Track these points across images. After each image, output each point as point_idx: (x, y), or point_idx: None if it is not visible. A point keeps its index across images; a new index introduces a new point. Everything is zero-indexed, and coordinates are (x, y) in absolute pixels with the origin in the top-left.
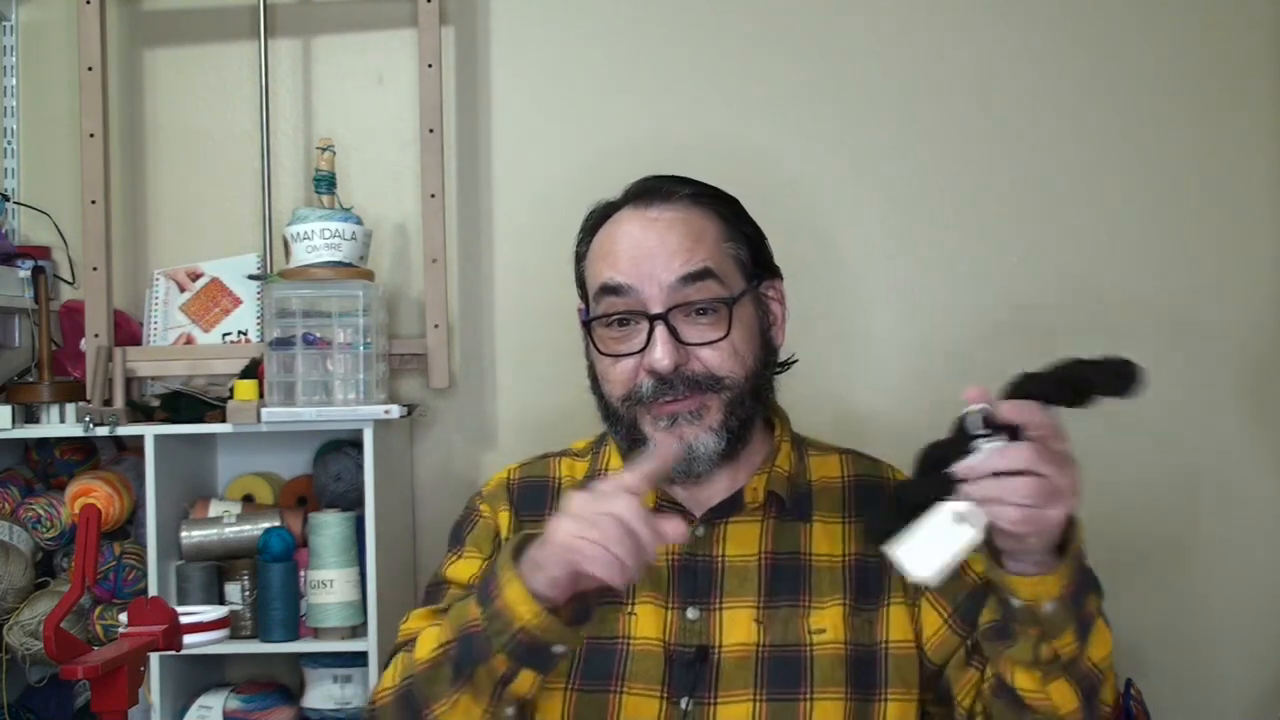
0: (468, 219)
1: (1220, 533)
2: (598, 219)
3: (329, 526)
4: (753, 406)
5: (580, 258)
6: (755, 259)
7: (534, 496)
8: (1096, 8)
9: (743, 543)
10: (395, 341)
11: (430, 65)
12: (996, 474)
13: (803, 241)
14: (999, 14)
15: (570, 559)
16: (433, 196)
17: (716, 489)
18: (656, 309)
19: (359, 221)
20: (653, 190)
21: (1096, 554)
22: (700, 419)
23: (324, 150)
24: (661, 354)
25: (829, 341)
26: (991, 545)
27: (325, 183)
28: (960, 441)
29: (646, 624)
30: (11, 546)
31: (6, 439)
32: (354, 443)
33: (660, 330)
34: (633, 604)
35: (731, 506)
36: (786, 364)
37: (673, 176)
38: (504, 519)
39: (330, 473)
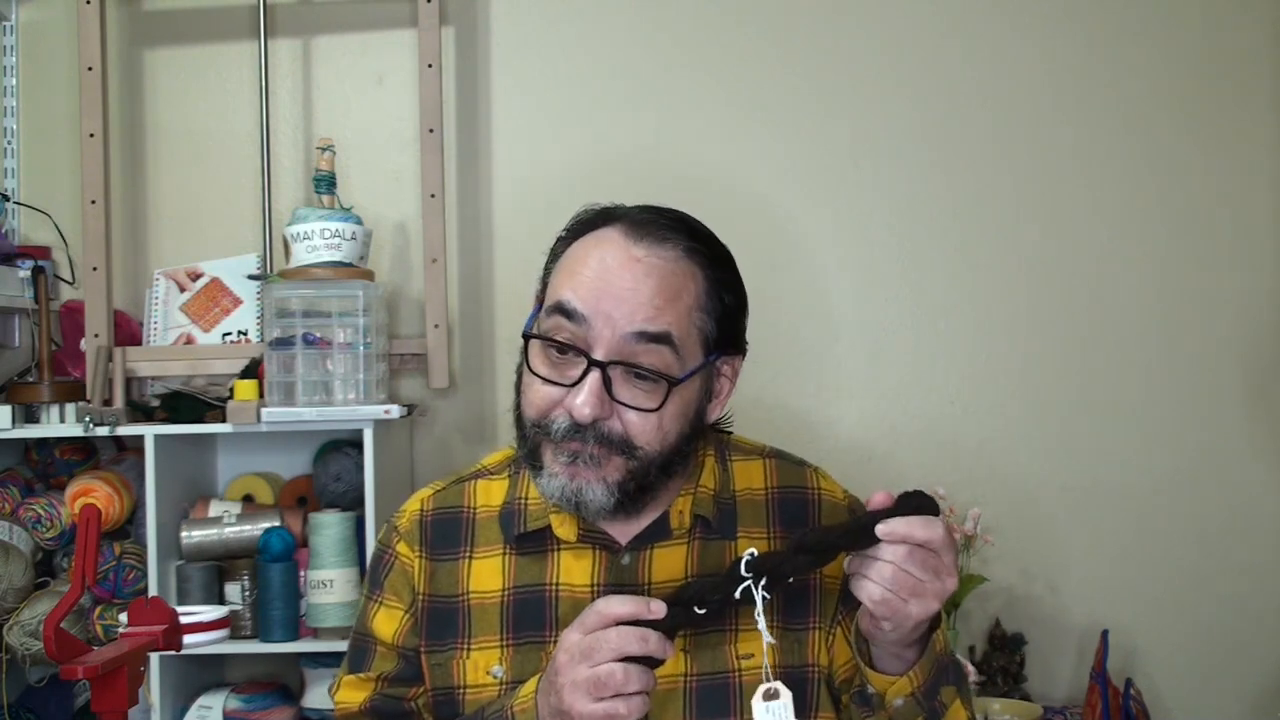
0: (468, 219)
1: (1222, 532)
2: (586, 225)
3: (329, 526)
4: (657, 479)
5: (555, 256)
6: (723, 332)
7: (447, 530)
8: (1098, 10)
9: (670, 568)
10: (395, 341)
11: (430, 65)
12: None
13: (802, 240)
14: (1001, 17)
15: None
16: (433, 196)
17: (642, 515)
18: (600, 354)
19: (359, 221)
20: (648, 225)
21: (1098, 552)
22: (600, 467)
23: (324, 150)
24: (584, 403)
25: (824, 342)
26: (859, 633)
27: (325, 183)
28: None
29: None
30: (11, 546)
31: (6, 439)
32: (354, 443)
33: (594, 380)
34: (555, 642)
35: (657, 531)
36: (719, 427)
37: (675, 216)
38: (417, 566)
39: (330, 473)
